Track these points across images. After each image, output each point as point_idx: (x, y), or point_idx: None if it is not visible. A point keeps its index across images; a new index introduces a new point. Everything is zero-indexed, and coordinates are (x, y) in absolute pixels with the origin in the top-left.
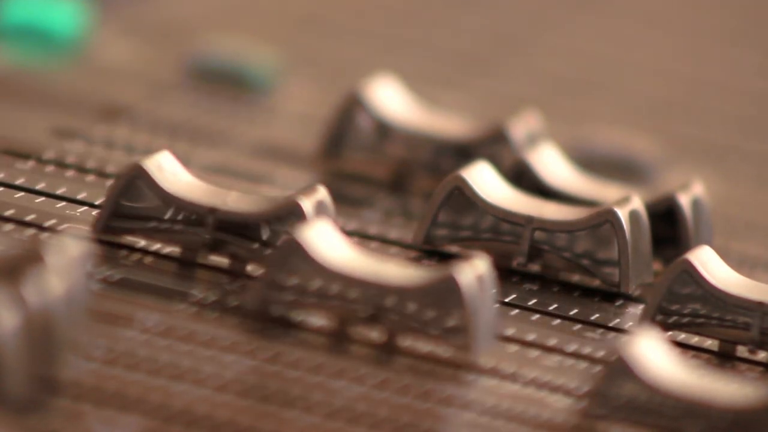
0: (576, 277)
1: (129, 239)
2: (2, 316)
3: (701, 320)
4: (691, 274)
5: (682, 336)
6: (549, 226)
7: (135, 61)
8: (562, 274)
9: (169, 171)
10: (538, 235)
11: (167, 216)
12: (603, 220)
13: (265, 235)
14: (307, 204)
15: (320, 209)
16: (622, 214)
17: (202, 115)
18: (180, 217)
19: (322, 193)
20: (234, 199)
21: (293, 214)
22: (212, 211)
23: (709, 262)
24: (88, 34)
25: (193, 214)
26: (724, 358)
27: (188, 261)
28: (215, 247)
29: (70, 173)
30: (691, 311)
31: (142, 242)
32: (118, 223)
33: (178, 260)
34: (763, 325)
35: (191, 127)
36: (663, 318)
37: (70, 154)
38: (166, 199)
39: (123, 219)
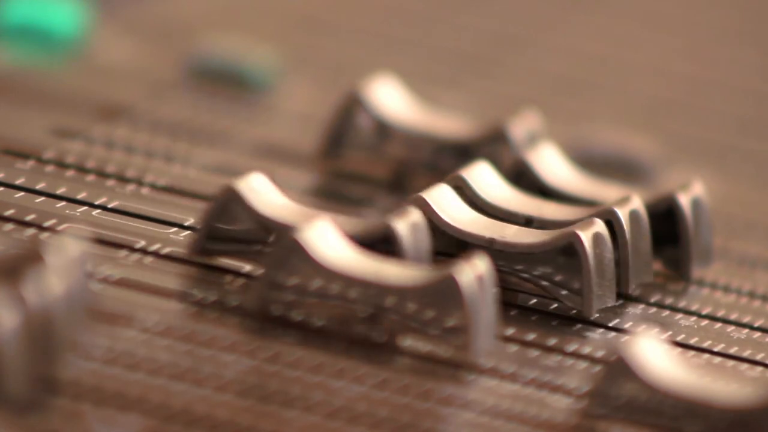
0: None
1: (225, 262)
2: (2, 316)
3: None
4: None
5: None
6: (549, 226)
7: (135, 61)
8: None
9: (263, 192)
10: None
11: (261, 238)
12: (603, 220)
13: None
14: (401, 226)
15: (415, 231)
16: (622, 214)
17: (202, 115)
18: (272, 240)
19: (415, 215)
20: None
21: (390, 235)
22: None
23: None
24: (88, 33)
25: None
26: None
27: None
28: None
29: (70, 173)
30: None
31: (243, 266)
32: (212, 245)
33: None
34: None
35: (191, 127)
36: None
37: (70, 154)
38: (259, 221)
39: (217, 241)
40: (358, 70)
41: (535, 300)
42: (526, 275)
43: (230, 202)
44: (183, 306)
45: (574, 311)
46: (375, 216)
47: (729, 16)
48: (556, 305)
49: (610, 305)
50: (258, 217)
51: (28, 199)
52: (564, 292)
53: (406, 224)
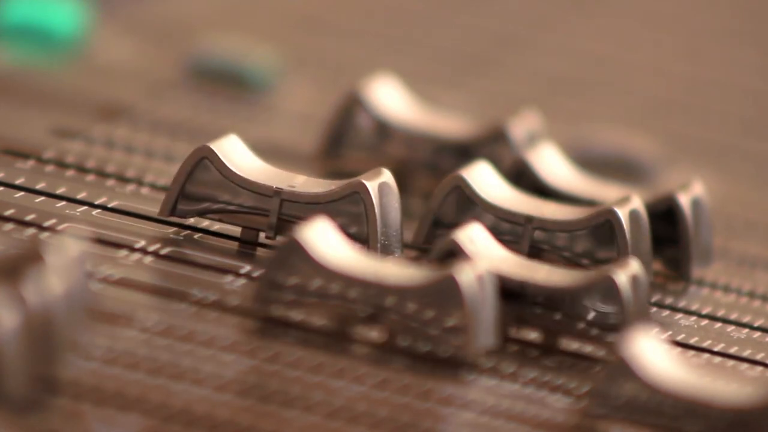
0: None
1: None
2: (2, 316)
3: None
4: (212, 161)
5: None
6: (549, 226)
7: (135, 60)
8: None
9: (237, 153)
10: (537, 234)
11: (234, 199)
12: (603, 220)
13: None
14: (372, 185)
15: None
16: (622, 214)
17: (202, 115)
18: (246, 200)
19: (385, 176)
20: (301, 182)
21: (359, 193)
22: (278, 192)
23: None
24: (88, 33)
25: (259, 196)
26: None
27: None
28: (280, 230)
29: (70, 173)
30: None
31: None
32: (185, 205)
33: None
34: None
35: (191, 126)
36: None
37: (70, 153)
38: (234, 180)
39: (190, 201)
40: (358, 70)
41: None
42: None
43: (203, 162)
44: (183, 306)
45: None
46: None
47: (729, 16)
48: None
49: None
50: (231, 177)
51: (28, 199)
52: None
53: (376, 183)
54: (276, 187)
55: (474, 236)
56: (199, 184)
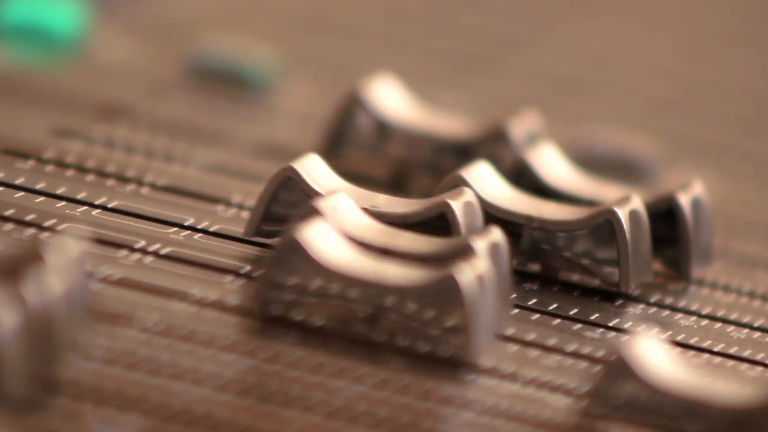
0: (576, 277)
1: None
2: (2, 316)
3: None
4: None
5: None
6: (549, 226)
7: (135, 60)
8: (562, 274)
9: (320, 173)
10: (537, 234)
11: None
12: (603, 220)
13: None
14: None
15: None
16: (622, 214)
17: (202, 115)
18: None
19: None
20: (383, 202)
21: (446, 214)
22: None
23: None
24: (88, 33)
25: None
26: None
27: None
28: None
29: (69, 173)
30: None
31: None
32: (268, 226)
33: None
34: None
35: (191, 126)
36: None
37: (70, 153)
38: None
39: (273, 222)
40: (358, 70)
41: (535, 300)
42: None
43: (287, 183)
44: (183, 306)
45: (575, 311)
46: (424, 198)
47: (729, 16)
48: (556, 305)
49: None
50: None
51: (28, 199)
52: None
53: (461, 203)
54: (527, 215)
55: (337, 204)
56: (281, 204)
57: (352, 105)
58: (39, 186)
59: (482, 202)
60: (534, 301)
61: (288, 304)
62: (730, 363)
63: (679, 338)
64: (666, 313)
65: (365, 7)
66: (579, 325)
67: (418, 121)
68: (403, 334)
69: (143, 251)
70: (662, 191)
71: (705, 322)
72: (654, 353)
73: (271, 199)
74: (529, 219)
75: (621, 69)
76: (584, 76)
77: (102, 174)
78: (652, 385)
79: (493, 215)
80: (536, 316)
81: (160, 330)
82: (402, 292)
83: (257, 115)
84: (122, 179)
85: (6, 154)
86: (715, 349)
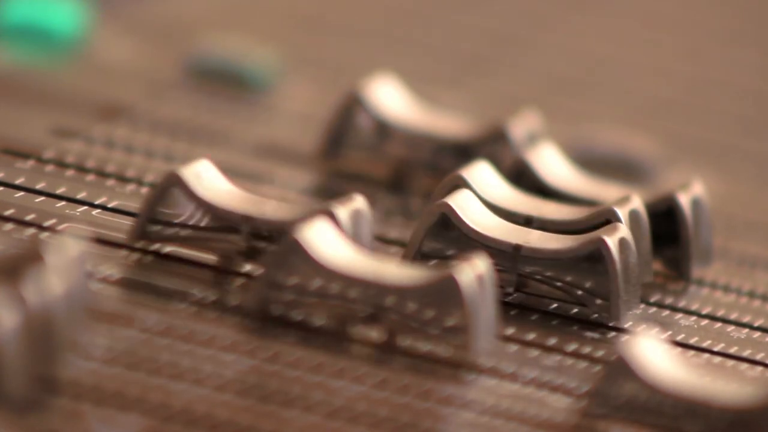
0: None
1: (168, 248)
2: (2, 316)
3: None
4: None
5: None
6: (549, 226)
7: (135, 60)
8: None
9: (207, 179)
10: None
11: (203, 224)
12: (603, 220)
13: None
14: (342, 213)
15: (356, 218)
16: (622, 214)
17: (202, 115)
18: (215, 226)
19: (359, 202)
20: (272, 208)
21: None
22: (247, 219)
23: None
24: (88, 33)
25: (228, 222)
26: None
27: (224, 269)
28: (251, 256)
29: (69, 173)
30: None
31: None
32: (154, 230)
33: (212, 267)
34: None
35: (191, 126)
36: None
37: (69, 153)
38: (201, 206)
39: (159, 226)
40: (358, 70)
41: (526, 298)
42: (553, 282)
43: (173, 188)
44: (183, 306)
45: (575, 311)
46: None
47: (729, 16)
48: (555, 305)
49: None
50: (199, 203)
51: (28, 199)
52: (595, 300)
53: (347, 210)
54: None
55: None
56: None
57: (352, 105)
58: (39, 186)
59: (482, 201)
60: (528, 300)
61: (288, 304)
62: (730, 363)
63: (679, 338)
64: (666, 313)
65: (365, 7)
66: (579, 325)
67: (418, 121)
68: (403, 334)
69: (143, 251)
70: (662, 191)
71: (705, 322)
72: (654, 353)
73: (156, 203)
74: (529, 219)
75: (621, 69)
76: (584, 76)
77: (102, 174)
78: (652, 385)
79: (494, 215)
80: (536, 316)
81: (160, 330)
82: (402, 292)
83: (257, 115)
84: (122, 179)
85: (6, 154)
86: (715, 349)
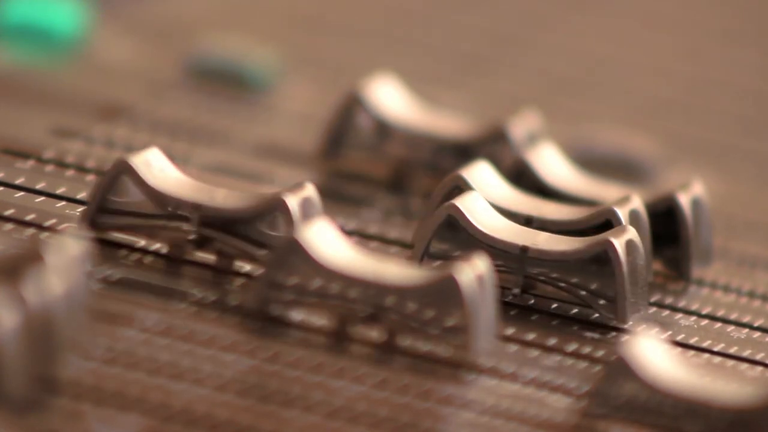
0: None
1: (119, 236)
2: (2, 316)
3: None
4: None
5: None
6: (549, 226)
7: (135, 60)
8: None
9: (156, 167)
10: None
11: (153, 212)
12: (603, 220)
13: (251, 232)
14: (292, 201)
15: (307, 206)
16: (622, 213)
17: (202, 115)
18: (165, 214)
19: (309, 190)
20: (222, 196)
21: (278, 210)
22: (197, 207)
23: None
24: (88, 33)
25: (178, 211)
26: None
27: (176, 258)
28: (202, 244)
29: (69, 173)
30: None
31: (132, 239)
32: (104, 218)
33: (168, 257)
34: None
35: (191, 126)
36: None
37: (69, 153)
38: (151, 195)
39: (109, 215)
40: (358, 70)
41: (532, 300)
42: (560, 283)
43: (122, 176)
44: (183, 306)
45: (575, 311)
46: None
47: (729, 16)
48: (555, 305)
49: (643, 312)
50: (149, 191)
51: (28, 199)
52: (601, 302)
53: (297, 199)
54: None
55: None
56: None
57: (352, 105)
58: (39, 186)
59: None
60: (534, 301)
61: (288, 303)
62: (730, 363)
63: (679, 338)
64: (666, 313)
65: (365, 7)
66: (579, 325)
67: (418, 121)
68: (403, 334)
69: (143, 251)
70: (662, 191)
71: (705, 322)
72: (654, 353)
73: (107, 191)
74: (529, 219)
75: (621, 69)
76: (584, 76)
77: (102, 174)
78: (652, 385)
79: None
80: (536, 316)
81: (160, 330)
82: (402, 292)
83: (257, 115)
84: None
85: (6, 154)
86: (715, 349)
